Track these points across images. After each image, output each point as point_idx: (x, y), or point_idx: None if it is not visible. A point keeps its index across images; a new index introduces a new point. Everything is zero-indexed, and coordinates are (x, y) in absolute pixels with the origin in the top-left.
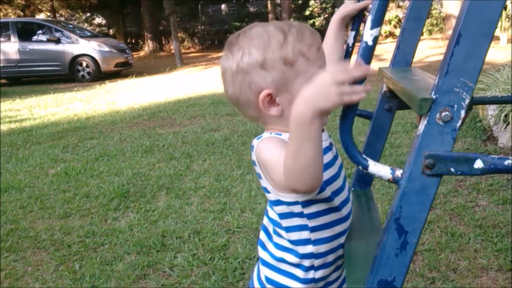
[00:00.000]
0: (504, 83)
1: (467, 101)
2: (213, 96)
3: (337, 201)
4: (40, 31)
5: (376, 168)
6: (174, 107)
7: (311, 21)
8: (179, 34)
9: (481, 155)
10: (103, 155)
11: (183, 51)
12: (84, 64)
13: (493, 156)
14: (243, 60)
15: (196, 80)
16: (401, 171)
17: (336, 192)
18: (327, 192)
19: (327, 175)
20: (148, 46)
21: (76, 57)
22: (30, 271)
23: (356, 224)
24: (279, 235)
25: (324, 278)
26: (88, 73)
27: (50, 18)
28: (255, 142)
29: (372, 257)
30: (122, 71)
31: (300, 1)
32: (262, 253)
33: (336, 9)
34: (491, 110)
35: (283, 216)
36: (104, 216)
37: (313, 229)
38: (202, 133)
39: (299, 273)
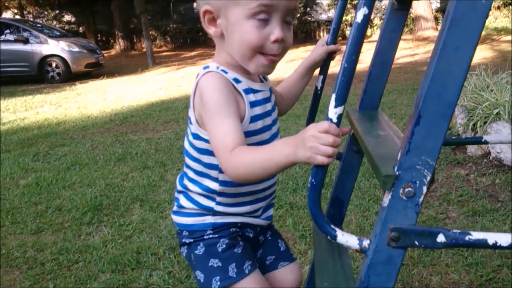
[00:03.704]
0: (472, 92)
1: (429, 178)
2: (186, 100)
3: None
4: (7, 31)
5: (344, 238)
6: (147, 111)
7: None
8: (151, 33)
9: (444, 230)
10: (75, 163)
11: (155, 49)
12: (54, 64)
13: (454, 231)
14: None
15: (169, 82)
16: (368, 241)
17: (258, 145)
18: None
19: (261, 124)
20: (119, 44)
21: (45, 57)
22: None
23: (327, 269)
24: (187, 166)
25: (225, 214)
26: (58, 74)
27: (18, 17)
28: (201, 71)
29: None
30: (92, 72)
31: None
32: (177, 182)
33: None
34: (460, 119)
35: (198, 150)
36: (78, 231)
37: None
38: (176, 140)
39: (199, 198)
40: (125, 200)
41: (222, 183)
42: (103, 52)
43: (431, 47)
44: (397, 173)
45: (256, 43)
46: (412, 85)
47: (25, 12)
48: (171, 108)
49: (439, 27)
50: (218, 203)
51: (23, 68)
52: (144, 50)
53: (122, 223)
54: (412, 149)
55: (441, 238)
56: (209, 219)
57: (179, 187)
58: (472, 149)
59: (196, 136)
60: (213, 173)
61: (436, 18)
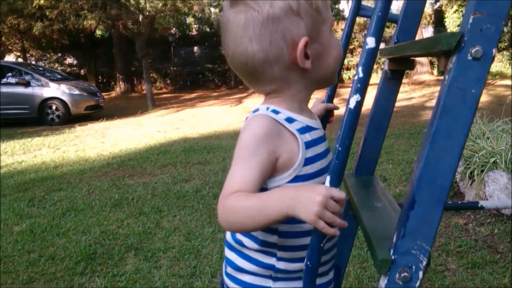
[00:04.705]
0: (468, 139)
1: (425, 262)
2: (184, 143)
3: None
4: (9, 74)
5: None
6: (145, 155)
7: None
8: (151, 75)
9: None
10: (70, 209)
11: (155, 91)
12: (54, 107)
13: None
14: (274, 7)
15: (168, 124)
16: None
17: None
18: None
19: (317, 166)
20: (120, 87)
21: (46, 100)
22: None
23: None
24: None
25: (288, 272)
26: (58, 116)
27: (20, 61)
28: (250, 115)
29: None
30: (92, 114)
31: None
32: (227, 234)
33: None
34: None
35: None
36: (70, 281)
37: (282, 221)
38: (173, 184)
39: (257, 256)
40: (119, 248)
41: (282, 234)
42: (104, 94)
43: (427, 91)
44: (393, 257)
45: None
46: (409, 129)
47: (27, 55)
48: (169, 151)
49: (434, 72)
50: (280, 259)
51: (23, 111)
52: (144, 92)
53: (116, 273)
54: (408, 234)
55: None
56: None
57: (232, 243)
58: (470, 198)
59: None
60: None
61: (431, 63)
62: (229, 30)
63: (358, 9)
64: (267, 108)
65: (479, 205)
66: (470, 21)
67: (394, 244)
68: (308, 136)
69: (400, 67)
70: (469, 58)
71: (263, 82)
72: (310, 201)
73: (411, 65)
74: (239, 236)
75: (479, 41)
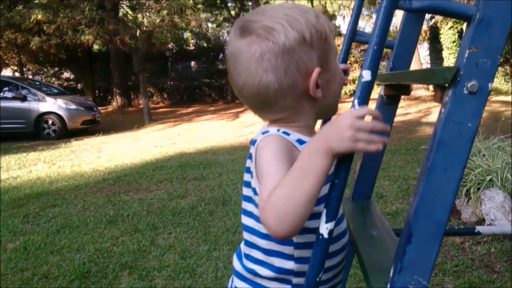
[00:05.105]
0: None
1: None
2: (180, 158)
3: None
4: (6, 88)
5: None
6: (141, 170)
7: None
8: (148, 89)
9: None
10: (64, 226)
11: (152, 106)
12: (50, 122)
13: None
14: (289, 38)
15: (164, 139)
16: None
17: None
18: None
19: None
20: (117, 101)
21: (42, 114)
22: None
23: None
24: (253, 246)
25: None
26: (54, 130)
27: (17, 75)
28: (259, 136)
29: None
30: (88, 129)
31: None
32: (235, 263)
33: None
34: None
35: None
36: None
37: (299, 246)
38: (169, 201)
39: (272, 285)
40: (113, 267)
41: (299, 260)
42: (101, 108)
43: (422, 106)
44: None
45: None
46: (405, 145)
47: (24, 69)
48: (165, 166)
49: (430, 87)
50: (295, 286)
51: (19, 125)
52: (141, 106)
53: None
54: (404, 268)
55: None
56: None
57: (244, 273)
58: (466, 215)
59: None
60: (287, 249)
61: None
62: (240, 61)
63: (354, 35)
64: (278, 130)
65: (476, 231)
66: (466, 55)
67: (391, 279)
68: None
69: (396, 93)
70: (465, 92)
71: (274, 111)
72: (340, 130)
73: (407, 91)
74: (251, 265)
75: (475, 75)
